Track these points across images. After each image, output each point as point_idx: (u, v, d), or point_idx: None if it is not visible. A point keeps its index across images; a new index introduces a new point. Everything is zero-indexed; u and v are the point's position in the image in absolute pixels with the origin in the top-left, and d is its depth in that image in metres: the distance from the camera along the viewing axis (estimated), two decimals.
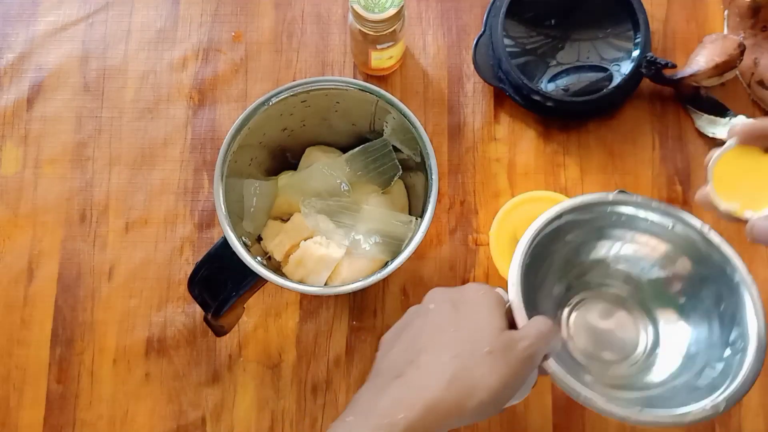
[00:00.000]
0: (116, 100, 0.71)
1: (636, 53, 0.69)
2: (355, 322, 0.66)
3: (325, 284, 0.57)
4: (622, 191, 0.55)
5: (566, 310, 0.56)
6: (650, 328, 0.56)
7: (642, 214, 0.54)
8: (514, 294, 0.47)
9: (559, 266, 0.56)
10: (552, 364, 0.46)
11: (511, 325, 0.46)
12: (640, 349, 0.55)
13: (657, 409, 0.46)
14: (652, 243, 0.55)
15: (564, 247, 0.55)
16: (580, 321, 0.56)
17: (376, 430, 0.38)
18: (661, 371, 0.53)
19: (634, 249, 0.56)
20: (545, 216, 0.51)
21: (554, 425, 0.64)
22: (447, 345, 0.41)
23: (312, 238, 0.57)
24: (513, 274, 0.48)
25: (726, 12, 0.72)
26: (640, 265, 0.56)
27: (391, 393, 0.40)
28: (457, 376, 0.39)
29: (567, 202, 0.52)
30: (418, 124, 0.55)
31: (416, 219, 0.57)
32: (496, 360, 0.40)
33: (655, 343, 0.55)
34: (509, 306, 0.47)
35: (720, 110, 0.69)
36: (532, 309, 0.48)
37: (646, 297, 0.56)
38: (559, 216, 0.52)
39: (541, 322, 0.44)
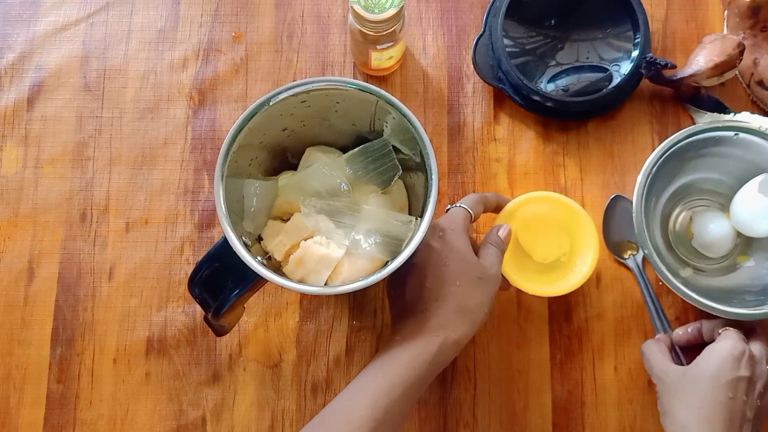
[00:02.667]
0: (117, 100, 0.71)
1: (635, 53, 0.69)
2: (355, 321, 0.66)
3: (325, 284, 0.57)
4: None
5: (676, 211, 0.68)
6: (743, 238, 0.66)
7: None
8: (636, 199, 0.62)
9: (675, 181, 0.67)
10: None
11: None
12: (731, 249, 0.66)
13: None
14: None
15: (684, 165, 0.66)
16: (687, 220, 0.68)
17: (422, 344, 0.53)
18: (741, 277, 0.66)
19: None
20: (672, 138, 0.63)
21: (553, 425, 0.64)
22: (449, 279, 0.55)
23: (312, 238, 0.57)
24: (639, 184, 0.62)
25: (726, 12, 0.72)
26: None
27: (429, 319, 0.54)
28: (462, 303, 0.54)
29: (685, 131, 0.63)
30: (417, 124, 0.55)
31: (416, 219, 0.57)
32: (482, 282, 0.55)
33: (744, 252, 0.67)
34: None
35: (720, 109, 0.69)
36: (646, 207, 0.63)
37: None
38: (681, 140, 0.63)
39: (496, 247, 0.58)
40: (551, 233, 0.66)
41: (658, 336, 0.64)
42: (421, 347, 0.52)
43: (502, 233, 0.60)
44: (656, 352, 0.61)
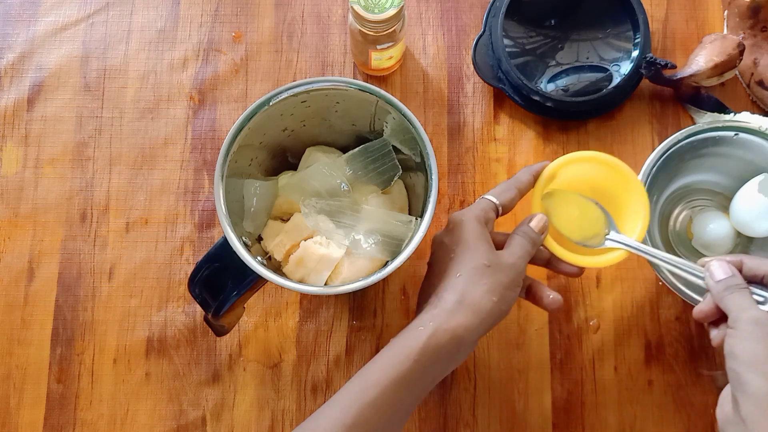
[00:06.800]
0: (117, 100, 0.71)
1: (635, 53, 0.69)
2: (355, 321, 0.66)
3: (325, 284, 0.57)
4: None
5: (676, 211, 0.68)
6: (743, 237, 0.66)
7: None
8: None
9: (677, 182, 0.67)
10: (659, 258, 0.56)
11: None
12: (731, 249, 0.66)
13: None
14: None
15: (682, 165, 0.65)
16: (687, 220, 0.68)
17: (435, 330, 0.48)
18: None
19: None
20: (674, 137, 0.62)
21: (553, 425, 0.64)
22: (451, 271, 0.51)
23: (312, 238, 0.58)
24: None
25: (726, 12, 0.72)
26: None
27: (422, 315, 0.51)
28: (462, 293, 0.50)
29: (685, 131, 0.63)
30: (417, 124, 0.55)
31: (416, 219, 0.57)
32: (489, 270, 0.51)
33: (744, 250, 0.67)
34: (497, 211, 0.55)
35: (720, 109, 0.69)
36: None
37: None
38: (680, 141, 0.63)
39: (523, 237, 0.53)
40: (584, 210, 0.58)
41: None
42: (404, 343, 0.48)
43: (534, 224, 0.54)
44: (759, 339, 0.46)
